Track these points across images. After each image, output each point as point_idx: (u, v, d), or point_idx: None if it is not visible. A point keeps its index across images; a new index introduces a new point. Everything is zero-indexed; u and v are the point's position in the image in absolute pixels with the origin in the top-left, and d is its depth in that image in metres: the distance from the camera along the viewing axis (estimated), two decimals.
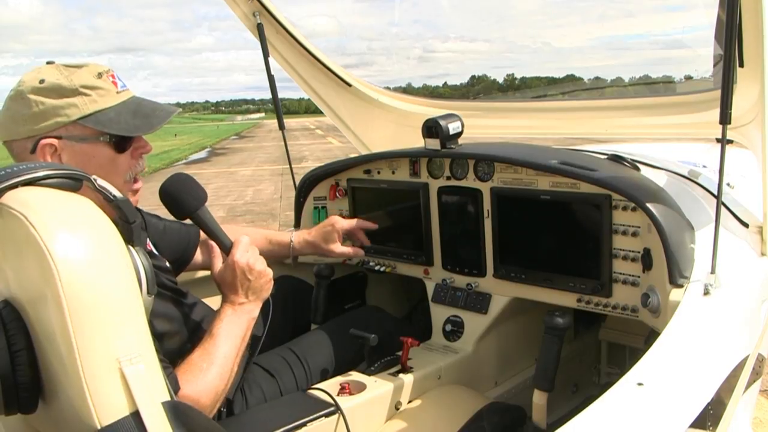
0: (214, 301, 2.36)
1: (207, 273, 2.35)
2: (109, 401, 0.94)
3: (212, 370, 1.56)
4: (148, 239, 1.87)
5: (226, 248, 1.77)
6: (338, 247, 2.40)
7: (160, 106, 1.65)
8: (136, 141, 1.61)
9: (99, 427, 0.94)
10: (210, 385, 1.54)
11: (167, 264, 1.91)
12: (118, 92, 1.57)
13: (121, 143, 1.57)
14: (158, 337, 1.60)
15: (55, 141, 1.49)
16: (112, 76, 1.57)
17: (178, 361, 1.59)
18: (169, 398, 1.01)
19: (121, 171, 1.59)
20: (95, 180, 1.14)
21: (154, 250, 1.88)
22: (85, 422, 0.95)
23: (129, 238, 1.15)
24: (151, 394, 0.96)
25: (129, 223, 1.17)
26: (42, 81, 1.48)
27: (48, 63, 1.56)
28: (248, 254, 1.74)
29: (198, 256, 2.23)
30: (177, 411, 0.99)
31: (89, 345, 0.93)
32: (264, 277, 1.76)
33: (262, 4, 2.77)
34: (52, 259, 0.92)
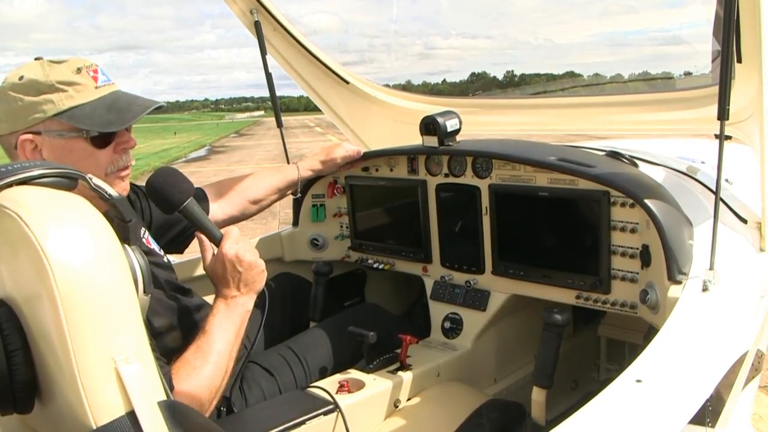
0: None
1: None
2: (105, 401, 0.94)
3: (206, 368, 1.54)
4: (148, 235, 1.86)
5: (217, 240, 1.74)
6: (340, 154, 2.53)
7: (139, 100, 1.61)
8: (119, 136, 1.60)
9: (95, 427, 0.93)
10: (204, 384, 1.52)
11: (166, 259, 1.89)
12: (97, 87, 1.55)
13: (101, 139, 1.55)
14: (157, 334, 1.60)
15: (34, 137, 1.49)
16: (94, 71, 1.55)
17: (175, 358, 1.59)
18: (165, 398, 1.00)
19: (101, 165, 1.57)
20: (90, 179, 1.13)
21: (156, 248, 1.87)
22: (81, 422, 0.94)
23: (125, 237, 1.14)
24: (147, 394, 0.96)
25: (125, 221, 1.16)
26: (21, 78, 1.48)
27: (36, 59, 1.55)
28: (237, 246, 1.71)
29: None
30: (173, 410, 0.99)
31: (84, 344, 0.93)
32: (255, 268, 1.72)
33: (259, 2, 2.76)
34: (46, 258, 0.92)
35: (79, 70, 1.53)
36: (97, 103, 1.54)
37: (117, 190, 1.61)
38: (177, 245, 2.16)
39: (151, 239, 1.87)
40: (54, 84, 1.49)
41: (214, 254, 1.74)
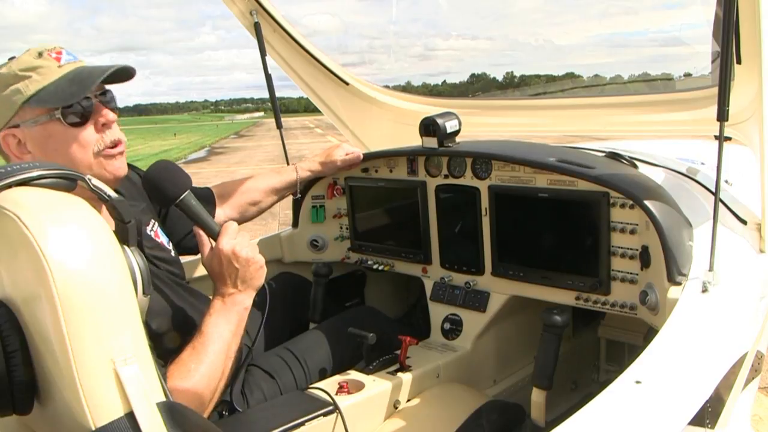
0: None
1: None
2: (104, 402, 0.94)
3: (200, 370, 1.51)
4: (158, 228, 1.85)
5: (215, 235, 1.70)
6: (340, 156, 2.51)
7: (101, 67, 1.54)
8: (96, 112, 1.54)
9: (93, 428, 0.93)
10: (199, 385, 1.49)
11: (173, 254, 1.87)
12: (59, 66, 1.50)
13: (75, 118, 1.51)
14: (158, 335, 1.58)
15: (14, 131, 1.49)
16: (58, 53, 1.51)
17: (172, 359, 1.57)
18: (164, 398, 1.01)
19: (86, 146, 1.53)
20: (90, 180, 1.13)
21: (165, 241, 1.86)
22: (80, 423, 0.94)
23: (124, 238, 1.14)
24: (146, 395, 0.96)
25: (124, 222, 1.16)
26: None
27: (10, 59, 1.53)
28: (234, 241, 1.66)
29: None
30: (172, 411, 0.99)
31: (83, 345, 0.93)
32: (253, 264, 1.66)
33: (259, 3, 2.76)
34: (45, 259, 0.92)
35: (40, 54, 1.50)
36: (61, 81, 1.49)
37: (111, 170, 1.55)
38: (190, 240, 2.13)
39: (160, 232, 1.86)
40: (17, 73, 1.47)
41: (212, 249, 1.70)
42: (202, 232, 1.73)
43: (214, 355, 1.55)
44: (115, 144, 1.58)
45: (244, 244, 1.67)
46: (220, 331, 1.59)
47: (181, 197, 1.69)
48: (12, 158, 1.51)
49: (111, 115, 1.58)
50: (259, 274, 1.70)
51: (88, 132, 1.53)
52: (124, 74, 1.58)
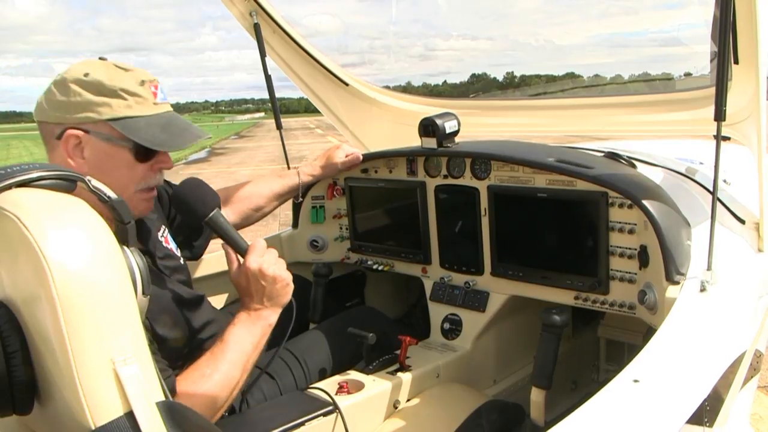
0: (221, 299, 2.34)
1: (216, 271, 2.39)
2: (104, 401, 0.95)
3: (214, 378, 1.53)
4: (168, 234, 1.87)
5: (243, 251, 1.74)
6: (340, 158, 2.52)
7: (191, 127, 1.62)
8: (160, 155, 1.60)
9: (93, 428, 0.94)
10: (210, 392, 1.51)
11: (182, 261, 1.88)
12: (155, 103, 1.55)
13: (142, 153, 1.55)
14: (162, 339, 1.58)
15: (81, 133, 1.49)
16: (155, 86, 1.56)
17: (181, 363, 1.58)
18: (163, 398, 1.01)
19: (135, 179, 1.57)
20: (89, 181, 1.14)
21: (174, 248, 1.87)
22: (80, 422, 0.95)
23: (123, 239, 1.15)
24: (146, 395, 0.97)
25: (124, 223, 1.17)
26: (86, 74, 1.49)
27: (100, 59, 1.57)
28: (262, 259, 1.69)
29: None
30: (172, 411, 1.00)
31: (83, 345, 0.94)
32: (279, 282, 1.70)
33: (259, 4, 2.77)
34: (45, 260, 0.93)
35: (142, 83, 1.54)
36: (153, 120, 1.54)
37: (139, 210, 1.59)
38: (194, 247, 2.16)
39: (170, 238, 1.87)
40: (117, 90, 1.49)
41: (239, 265, 1.73)
42: (230, 249, 1.76)
43: (231, 364, 1.57)
44: (154, 188, 1.64)
45: (271, 261, 1.71)
46: (240, 341, 1.62)
47: (210, 215, 1.74)
48: (60, 152, 1.51)
49: (170, 164, 1.64)
50: (285, 291, 1.73)
51: (145, 168, 1.58)
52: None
